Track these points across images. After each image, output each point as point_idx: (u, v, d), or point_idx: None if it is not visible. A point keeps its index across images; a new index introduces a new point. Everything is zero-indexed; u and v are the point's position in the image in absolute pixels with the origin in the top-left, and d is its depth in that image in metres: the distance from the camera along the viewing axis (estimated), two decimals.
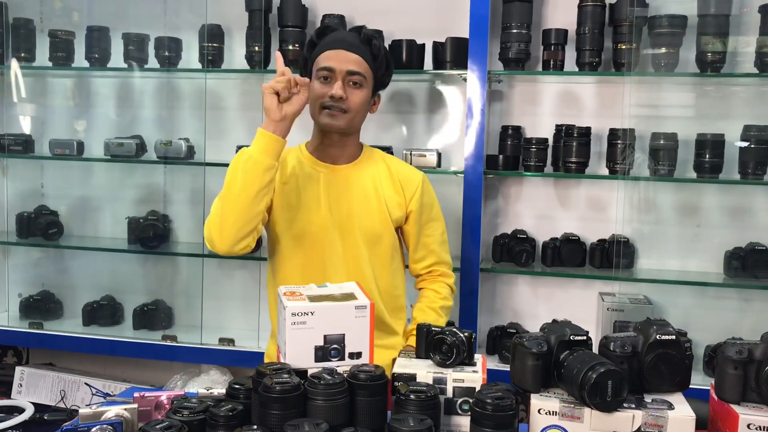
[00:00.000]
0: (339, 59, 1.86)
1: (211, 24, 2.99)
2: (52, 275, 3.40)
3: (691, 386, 1.37)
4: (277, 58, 1.86)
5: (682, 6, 2.68)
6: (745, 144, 2.66)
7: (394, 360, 1.47)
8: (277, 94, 1.76)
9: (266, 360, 2.05)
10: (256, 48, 2.94)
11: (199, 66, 3.04)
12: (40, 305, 3.25)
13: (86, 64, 3.14)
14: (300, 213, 1.91)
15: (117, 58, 3.12)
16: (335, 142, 1.94)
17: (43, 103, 3.41)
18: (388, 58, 1.97)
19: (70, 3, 3.37)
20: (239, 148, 2.88)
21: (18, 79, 3.26)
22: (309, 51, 1.95)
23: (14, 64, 3.19)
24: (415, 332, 1.92)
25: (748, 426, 1.25)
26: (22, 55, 3.18)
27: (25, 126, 3.35)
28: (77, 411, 1.44)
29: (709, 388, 1.40)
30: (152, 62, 3.11)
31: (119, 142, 3.07)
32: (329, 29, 1.96)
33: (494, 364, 2.77)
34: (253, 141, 1.77)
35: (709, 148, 2.66)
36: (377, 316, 1.82)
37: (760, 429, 1.25)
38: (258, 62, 2.95)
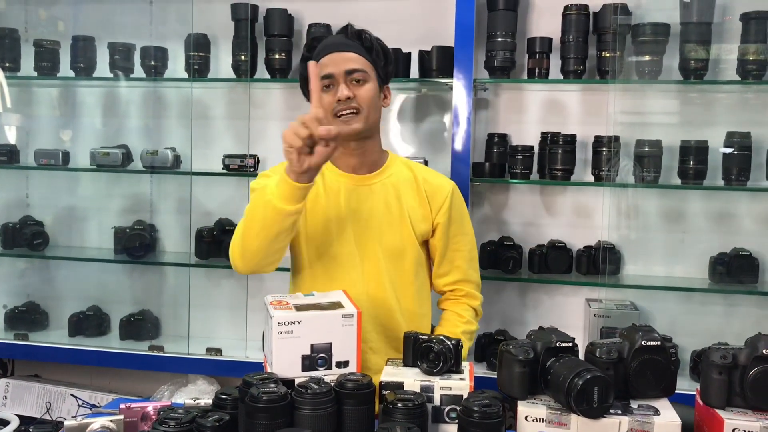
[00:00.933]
0: (335, 62, 1.79)
1: (197, 33, 2.99)
2: (37, 286, 3.37)
3: (677, 391, 1.38)
4: (312, 91, 1.62)
5: (665, 14, 2.70)
6: (728, 150, 2.68)
7: None
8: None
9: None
10: (243, 57, 2.94)
11: (185, 75, 3.03)
12: (26, 316, 3.22)
13: (72, 73, 3.12)
14: (319, 227, 1.83)
15: (103, 67, 3.11)
16: (354, 150, 1.85)
17: (28, 113, 3.39)
18: (383, 48, 1.89)
19: (55, 12, 3.36)
20: (225, 157, 2.94)
21: (3, 89, 3.23)
22: (304, 67, 1.85)
23: None
24: None
25: (734, 431, 1.25)
26: (7, 65, 3.16)
27: (10, 136, 3.32)
28: (63, 423, 1.43)
29: (694, 393, 1.40)
30: (138, 72, 3.10)
31: (105, 151, 3.06)
32: (317, 40, 1.91)
33: (482, 371, 2.77)
34: (276, 183, 1.60)
35: (693, 155, 2.69)
36: (397, 336, 1.74)
37: None
38: (244, 71, 2.95)
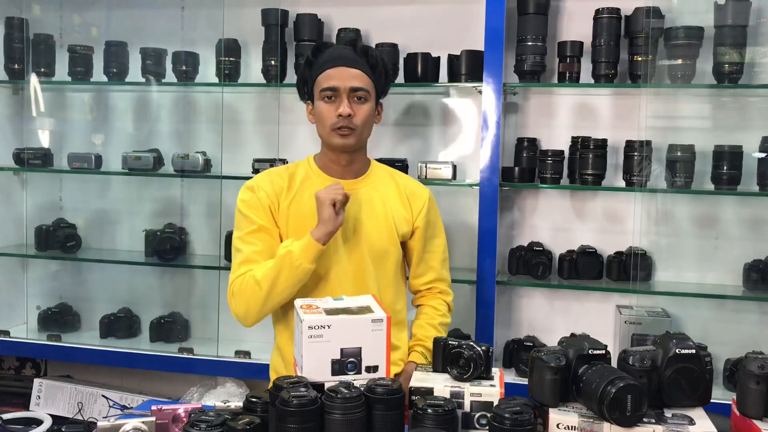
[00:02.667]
0: (341, 77, 1.86)
1: (228, 38, 3.02)
2: (69, 288, 3.43)
3: (711, 401, 1.35)
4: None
5: (699, 17, 2.66)
6: (763, 155, 2.63)
7: (396, 375, 1.47)
8: (334, 204, 1.80)
9: (271, 374, 2.05)
10: (273, 62, 2.96)
11: (215, 80, 3.06)
12: (58, 318, 3.27)
13: (104, 78, 3.17)
14: (306, 229, 1.88)
15: (135, 72, 3.15)
16: (344, 159, 1.95)
17: (61, 117, 3.45)
18: (386, 68, 1.98)
19: (89, 19, 3.41)
20: (255, 161, 2.96)
21: (37, 94, 3.30)
22: (307, 70, 1.95)
23: (33, 78, 3.23)
24: (416, 348, 1.97)
25: None
26: (42, 70, 3.22)
27: (44, 140, 3.38)
28: (95, 423, 1.45)
29: (730, 402, 1.38)
30: (170, 76, 3.14)
31: (137, 155, 3.10)
32: (325, 45, 1.98)
33: (511, 377, 2.75)
34: (304, 248, 1.81)
35: (727, 160, 2.64)
36: None
37: None
38: (274, 76, 2.97)
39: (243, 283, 1.86)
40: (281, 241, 1.92)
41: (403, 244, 2.04)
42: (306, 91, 1.98)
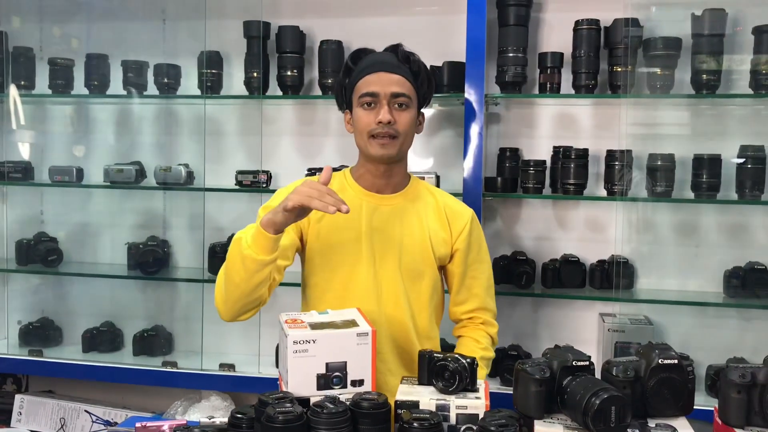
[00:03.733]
0: (381, 82, 1.76)
1: (210, 51, 3.02)
2: (51, 302, 3.39)
3: (694, 407, 1.37)
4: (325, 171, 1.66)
5: (677, 27, 2.70)
6: (741, 161, 2.67)
7: None
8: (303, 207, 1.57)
9: None
10: (255, 74, 2.96)
11: (198, 92, 3.05)
12: (40, 332, 3.23)
13: (85, 91, 3.15)
14: (338, 247, 1.81)
15: (116, 85, 3.14)
16: (383, 172, 1.84)
17: (42, 130, 3.43)
18: (428, 75, 1.88)
19: (69, 31, 3.39)
20: (238, 173, 2.96)
21: (17, 107, 3.27)
22: (345, 77, 1.85)
23: (13, 90, 3.20)
24: None
25: None
26: (22, 83, 3.19)
27: (25, 153, 3.35)
28: None
29: (712, 408, 1.39)
30: (151, 89, 3.12)
31: (119, 168, 3.08)
32: (364, 52, 1.87)
33: (495, 386, 2.76)
34: (253, 237, 1.61)
35: (706, 168, 2.68)
36: (412, 357, 1.75)
37: None
38: (256, 88, 2.97)
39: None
40: (295, 249, 1.83)
41: (443, 269, 1.92)
42: (344, 99, 1.87)
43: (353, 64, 1.85)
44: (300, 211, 1.59)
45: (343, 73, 1.87)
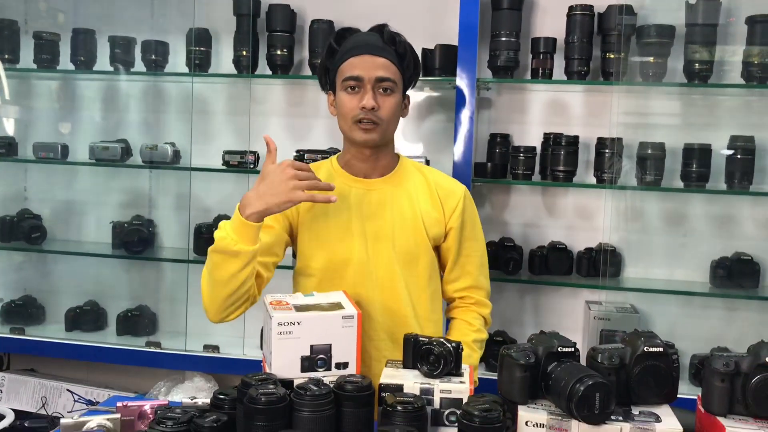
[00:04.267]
0: (366, 66, 1.71)
1: (199, 28, 2.98)
2: (34, 280, 3.36)
3: (677, 396, 1.37)
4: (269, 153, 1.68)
5: (671, 15, 2.69)
6: (731, 152, 2.67)
7: None
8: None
9: None
10: (244, 53, 2.92)
11: (186, 70, 3.01)
12: (22, 310, 3.21)
13: (71, 66, 3.11)
14: (330, 235, 1.78)
15: (103, 60, 3.09)
16: (368, 157, 1.80)
17: (27, 105, 3.38)
18: (414, 56, 1.82)
19: (55, 4, 3.34)
20: (225, 153, 2.93)
21: (1, 81, 3.22)
22: (329, 58, 1.80)
23: None
24: None
25: None
26: (6, 56, 3.14)
27: (9, 128, 3.31)
28: (59, 418, 1.42)
29: (695, 398, 1.39)
30: (139, 66, 3.08)
31: (104, 145, 3.04)
32: (349, 32, 1.81)
33: (481, 371, 2.75)
34: (234, 229, 1.58)
35: (696, 158, 2.68)
36: None
37: None
38: (245, 67, 2.93)
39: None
40: (284, 245, 1.81)
41: (438, 249, 1.87)
42: (327, 81, 1.82)
43: (337, 45, 1.79)
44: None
45: (326, 53, 1.81)
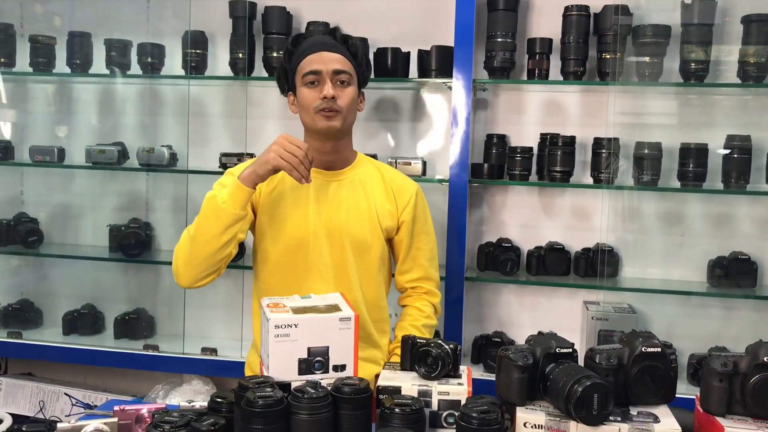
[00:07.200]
0: (323, 61, 1.86)
1: (195, 30, 2.97)
2: (31, 283, 3.35)
3: (676, 396, 1.37)
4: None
5: (666, 15, 2.69)
6: (727, 151, 2.67)
7: (376, 376, 1.46)
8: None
9: (246, 370, 2.03)
10: (240, 55, 2.92)
11: (182, 72, 3.01)
12: (19, 314, 3.19)
13: (68, 69, 3.10)
14: (288, 220, 1.89)
15: (99, 64, 3.09)
16: (330, 149, 1.92)
17: (23, 109, 3.37)
18: (366, 56, 1.99)
19: (51, 8, 3.33)
20: (222, 156, 2.92)
21: None
22: (287, 61, 1.94)
23: None
24: (396, 351, 1.93)
25: None
26: (2, 60, 3.13)
27: (5, 132, 3.30)
28: (56, 422, 1.42)
29: (693, 397, 1.39)
30: (135, 68, 3.07)
31: (101, 149, 3.04)
32: (303, 36, 1.97)
33: (479, 373, 2.76)
34: (230, 193, 1.76)
35: (693, 157, 2.68)
36: (361, 326, 1.82)
37: None
38: (242, 69, 2.93)
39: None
40: (251, 230, 1.92)
41: (391, 241, 2.00)
42: (286, 82, 1.96)
43: (294, 48, 1.93)
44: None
45: (284, 58, 1.96)
